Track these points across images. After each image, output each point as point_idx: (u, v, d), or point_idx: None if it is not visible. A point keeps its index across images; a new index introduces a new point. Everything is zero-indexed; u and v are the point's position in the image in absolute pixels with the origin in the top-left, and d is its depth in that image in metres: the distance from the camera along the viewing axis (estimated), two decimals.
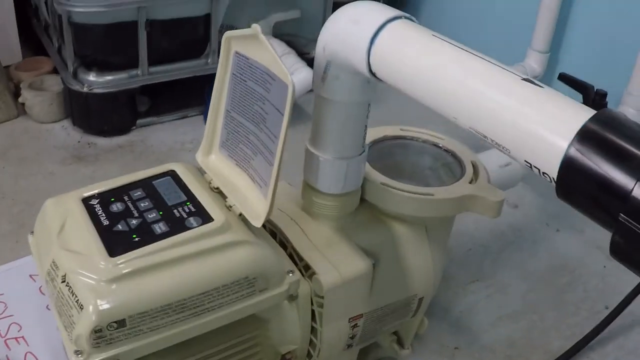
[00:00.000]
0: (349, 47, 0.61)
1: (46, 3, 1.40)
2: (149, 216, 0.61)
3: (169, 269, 0.57)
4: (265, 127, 0.62)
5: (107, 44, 1.28)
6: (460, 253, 1.06)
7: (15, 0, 1.45)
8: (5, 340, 0.82)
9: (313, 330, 0.72)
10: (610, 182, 0.43)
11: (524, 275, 1.03)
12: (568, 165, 0.45)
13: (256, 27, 0.61)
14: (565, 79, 1.16)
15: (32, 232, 0.66)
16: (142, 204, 0.63)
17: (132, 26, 1.26)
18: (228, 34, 0.65)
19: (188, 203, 0.63)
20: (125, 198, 0.64)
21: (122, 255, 0.56)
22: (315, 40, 0.65)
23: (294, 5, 1.48)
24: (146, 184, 0.66)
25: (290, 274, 0.64)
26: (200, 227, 0.60)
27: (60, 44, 1.38)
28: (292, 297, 0.69)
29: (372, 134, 0.82)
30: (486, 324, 0.93)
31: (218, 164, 0.69)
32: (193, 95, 1.40)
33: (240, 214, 0.63)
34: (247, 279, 0.60)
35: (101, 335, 0.54)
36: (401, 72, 0.58)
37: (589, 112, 0.46)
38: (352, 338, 0.74)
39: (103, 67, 1.30)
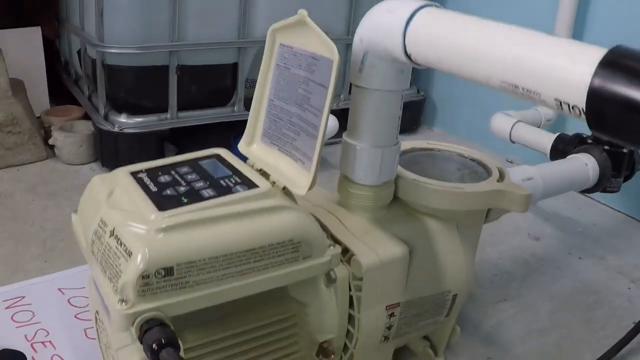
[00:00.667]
0: (385, 34, 0.64)
1: (79, 52, 1.45)
2: (197, 185, 0.62)
3: (217, 224, 0.57)
4: (309, 105, 0.64)
5: (138, 87, 1.32)
6: (486, 278, 1.06)
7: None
8: (31, 344, 0.81)
9: (351, 319, 0.71)
10: (637, 102, 0.44)
11: (550, 296, 1.02)
12: (594, 93, 0.47)
13: (303, 12, 0.64)
14: None
15: (75, 211, 0.67)
16: (189, 177, 0.64)
17: (164, 70, 1.30)
18: (273, 26, 0.68)
19: (234, 176, 0.64)
20: (173, 172, 0.65)
21: (172, 210, 0.57)
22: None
23: None
24: (192, 163, 0.67)
25: (332, 247, 0.64)
26: (247, 191, 0.61)
27: (91, 91, 1.42)
28: (330, 280, 0.68)
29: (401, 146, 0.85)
30: (517, 338, 0.91)
31: (260, 152, 0.71)
32: (219, 142, 1.42)
33: (284, 188, 0.64)
34: (291, 242, 0.60)
35: (148, 283, 0.54)
36: (434, 47, 0.60)
37: (606, 48, 0.48)
38: (389, 329, 0.73)
39: (134, 110, 1.33)
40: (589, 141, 1.14)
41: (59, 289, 0.94)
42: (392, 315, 0.72)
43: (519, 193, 0.75)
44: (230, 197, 0.60)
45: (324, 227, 0.71)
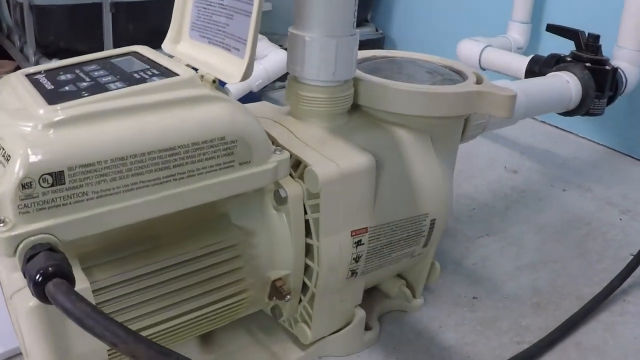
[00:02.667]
0: None
1: (8, 2, 1.29)
2: (103, 79, 0.47)
3: (123, 117, 0.43)
4: None
5: (69, 29, 1.16)
6: (464, 212, 0.93)
7: None
8: None
9: (309, 250, 0.57)
10: None
11: (536, 229, 0.89)
12: None
13: None
14: (553, 28, 1.06)
15: None
16: (95, 73, 0.49)
17: (97, 8, 1.14)
18: None
19: (151, 69, 0.49)
20: (77, 71, 0.50)
21: (66, 103, 0.42)
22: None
23: None
24: (103, 62, 0.52)
25: (278, 152, 0.50)
26: (163, 80, 0.46)
27: (22, 42, 1.26)
28: (280, 200, 0.54)
29: (359, 55, 0.71)
30: (504, 275, 0.78)
31: (188, 49, 0.57)
32: None
33: (214, 81, 0.50)
34: (223, 141, 0.45)
35: (31, 195, 0.39)
36: None
37: None
38: (356, 261, 0.59)
39: (66, 56, 1.16)
40: (568, 59, 1.01)
41: None
42: (359, 243, 0.58)
43: (502, 94, 0.62)
44: (141, 86, 0.45)
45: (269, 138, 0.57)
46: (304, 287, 0.59)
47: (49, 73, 0.50)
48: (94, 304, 0.44)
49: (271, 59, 1.18)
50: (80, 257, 0.46)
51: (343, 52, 0.57)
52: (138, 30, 1.22)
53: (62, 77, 0.48)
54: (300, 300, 0.60)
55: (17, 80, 0.48)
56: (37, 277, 0.36)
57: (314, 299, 0.59)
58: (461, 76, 0.68)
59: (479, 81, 0.66)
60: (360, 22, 1.60)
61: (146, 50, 0.54)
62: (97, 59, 0.53)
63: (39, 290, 0.36)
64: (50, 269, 0.36)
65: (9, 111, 0.43)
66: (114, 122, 0.42)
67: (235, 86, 1.08)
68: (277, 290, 0.57)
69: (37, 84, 0.47)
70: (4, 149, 0.40)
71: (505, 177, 1.05)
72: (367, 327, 0.66)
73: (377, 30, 1.59)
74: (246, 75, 0.48)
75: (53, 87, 0.46)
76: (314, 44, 0.57)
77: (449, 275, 0.77)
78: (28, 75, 0.49)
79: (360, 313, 0.64)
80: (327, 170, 0.54)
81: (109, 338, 0.33)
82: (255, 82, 1.16)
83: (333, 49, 0.57)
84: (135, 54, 0.54)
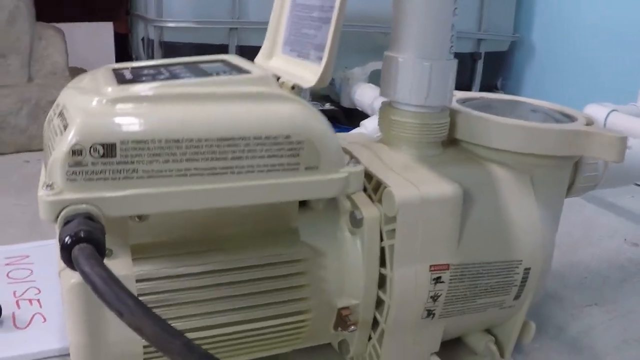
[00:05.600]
0: None
1: (142, 40, 1.35)
2: (182, 74, 0.46)
3: (184, 101, 0.41)
4: None
5: None
6: (574, 280, 0.83)
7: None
8: (17, 300, 0.67)
9: (383, 282, 0.52)
10: None
11: None
12: None
13: None
14: None
15: None
16: (177, 71, 0.48)
17: (223, 50, 1.17)
18: None
19: (232, 70, 0.47)
20: (162, 69, 0.49)
21: (133, 84, 0.41)
22: None
23: None
24: (191, 65, 0.51)
25: (351, 164, 0.46)
26: (234, 75, 0.44)
27: None
28: (355, 222, 0.50)
29: (464, 95, 0.66)
30: (609, 347, 0.68)
31: (279, 64, 0.55)
32: None
33: (293, 87, 0.47)
34: (289, 140, 0.42)
35: (80, 163, 0.37)
36: None
37: None
38: (433, 299, 0.53)
39: None
40: None
41: None
42: (438, 280, 0.52)
43: (612, 135, 0.54)
44: (210, 78, 0.43)
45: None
46: (375, 324, 0.54)
47: (134, 69, 0.49)
48: (136, 293, 0.41)
49: None
50: (134, 248, 0.44)
51: (437, 76, 0.53)
52: None
53: (145, 72, 0.47)
54: (370, 338, 0.55)
55: (101, 71, 0.48)
56: (66, 240, 0.34)
57: (383, 336, 0.53)
58: (570, 119, 0.61)
59: (588, 124, 0.59)
60: (490, 88, 1.55)
61: (236, 59, 0.53)
62: (186, 62, 0.52)
63: (66, 254, 0.34)
64: (81, 233, 0.34)
65: (81, 89, 0.43)
66: (174, 105, 0.40)
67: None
68: (342, 319, 0.52)
69: (118, 75, 0.46)
70: (65, 119, 0.39)
71: (624, 248, 0.94)
72: None
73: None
74: (322, 81, 0.45)
75: (132, 77, 0.45)
76: (407, 65, 0.53)
77: (547, 341, 0.68)
78: (114, 70, 0.49)
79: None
80: (405, 192, 0.49)
81: (116, 306, 0.30)
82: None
83: (427, 72, 0.53)
84: (224, 62, 0.52)
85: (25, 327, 0.62)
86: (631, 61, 1.31)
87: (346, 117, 1.41)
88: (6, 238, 0.84)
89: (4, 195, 1.00)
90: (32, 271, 0.73)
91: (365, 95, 1.27)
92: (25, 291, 0.68)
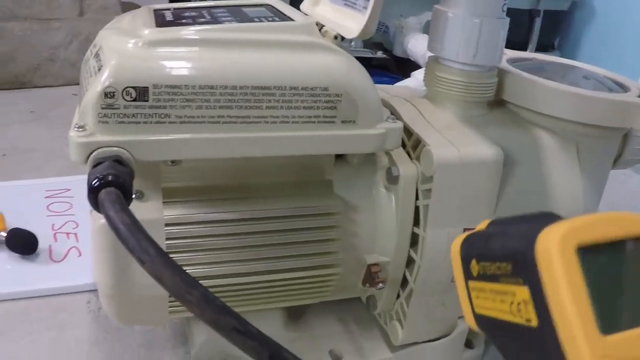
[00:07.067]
0: None
1: None
2: (223, 18, 0.45)
3: (221, 47, 0.39)
4: None
5: None
6: None
7: None
8: (55, 233, 0.68)
9: (414, 242, 0.51)
10: None
11: None
12: None
13: None
14: None
15: None
16: (219, 14, 0.47)
17: None
18: None
19: (274, 16, 0.46)
20: (204, 11, 0.48)
21: (171, 27, 0.40)
22: None
23: None
24: (234, 8, 0.50)
25: (390, 120, 0.44)
26: (274, 22, 0.43)
27: None
28: (391, 178, 0.49)
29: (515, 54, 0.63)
30: None
31: (325, 11, 0.52)
32: None
33: (336, 36, 0.45)
34: (326, 92, 0.41)
35: (112, 105, 0.36)
36: None
37: None
38: None
39: None
40: None
41: None
42: None
43: None
44: (250, 24, 0.42)
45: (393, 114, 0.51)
46: (404, 283, 0.53)
47: (176, 10, 0.48)
48: (164, 237, 0.41)
49: None
50: (165, 191, 0.44)
51: (487, 34, 0.51)
52: None
53: (186, 14, 0.46)
54: (398, 296, 0.54)
55: (142, 11, 0.47)
56: (93, 182, 0.33)
57: (411, 295, 0.52)
58: (624, 89, 0.58)
59: None
60: (546, 47, 1.50)
61: (280, 4, 0.51)
62: (230, 5, 0.50)
63: (93, 197, 0.33)
64: (109, 177, 0.34)
65: (119, 30, 0.42)
66: (210, 51, 0.39)
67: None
68: (371, 275, 0.51)
69: (158, 15, 0.45)
70: (100, 60, 0.38)
71: None
72: (469, 345, 0.58)
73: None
74: (365, 32, 0.43)
75: (172, 19, 0.44)
76: (456, 20, 0.51)
77: None
78: (156, 10, 0.48)
79: (463, 326, 0.56)
80: (445, 152, 0.47)
81: (137, 253, 0.29)
82: None
83: (476, 29, 0.50)
84: (268, 6, 0.51)
85: (61, 261, 0.63)
86: None
87: (398, 67, 1.37)
88: (50, 171, 0.85)
89: (50, 128, 1.02)
90: (71, 205, 0.74)
91: (419, 46, 1.24)
92: (64, 224, 0.70)
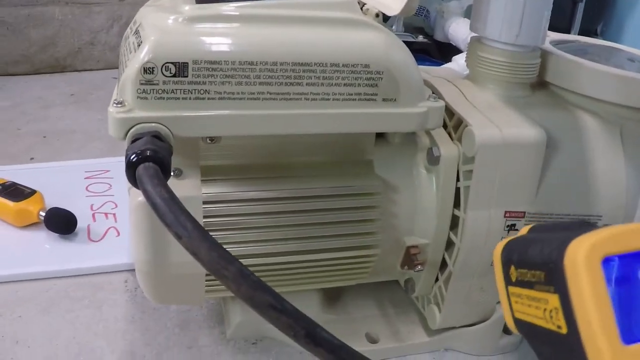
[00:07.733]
0: None
1: None
2: None
3: (262, 23, 0.39)
4: None
5: None
6: None
7: None
8: (94, 213, 0.68)
9: (455, 225, 0.50)
10: None
11: None
12: None
13: None
14: None
15: None
16: None
17: None
18: None
19: None
20: None
21: (212, 4, 0.40)
22: None
23: None
24: None
25: (432, 99, 0.43)
26: None
27: None
28: (432, 159, 0.48)
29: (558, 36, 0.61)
30: None
31: None
32: None
33: (378, 14, 0.44)
34: (367, 70, 0.40)
35: (151, 81, 0.36)
36: None
37: None
38: None
39: None
40: None
41: None
42: (512, 227, 0.50)
43: None
44: (292, 0, 0.41)
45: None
46: (443, 266, 0.52)
47: None
48: (202, 215, 0.41)
49: None
50: (204, 169, 0.43)
51: (531, 14, 0.49)
52: None
53: None
54: (437, 280, 0.53)
55: None
56: (132, 158, 0.33)
57: (450, 279, 0.51)
58: None
59: None
60: (589, 33, 1.46)
61: None
62: None
63: (131, 172, 0.33)
64: (147, 152, 0.33)
65: (160, 7, 0.42)
66: (250, 27, 0.39)
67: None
68: (410, 257, 0.50)
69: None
70: (140, 37, 0.38)
71: None
72: (507, 331, 0.57)
73: None
74: (407, 10, 0.42)
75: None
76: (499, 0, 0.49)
77: None
78: None
79: (502, 311, 0.55)
80: (487, 132, 0.46)
81: (174, 228, 0.29)
82: None
83: (520, 8, 0.49)
84: None
85: (99, 240, 0.64)
86: None
87: (439, 52, 1.35)
88: (89, 153, 0.86)
89: (90, 110, 1.03)
90: (110, 185, 0.75)
91: (460, 31, 1.21)
92: (103, 205, 0.70)
